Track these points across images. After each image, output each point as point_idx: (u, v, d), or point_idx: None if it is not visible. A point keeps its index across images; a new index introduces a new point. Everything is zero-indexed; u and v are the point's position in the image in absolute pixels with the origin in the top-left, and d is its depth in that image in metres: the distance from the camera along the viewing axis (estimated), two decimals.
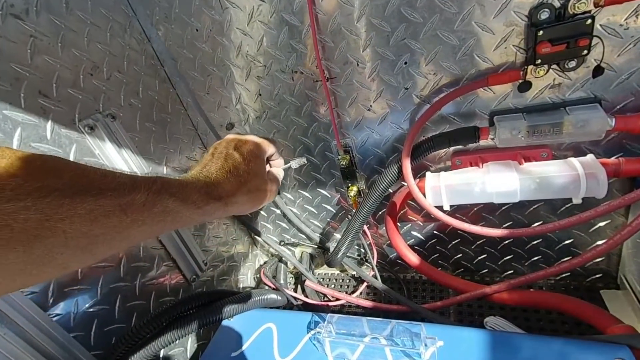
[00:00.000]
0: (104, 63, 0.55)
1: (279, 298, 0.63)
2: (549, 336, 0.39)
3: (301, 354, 0.41)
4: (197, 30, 0.63)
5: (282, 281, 0.81)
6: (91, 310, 0.50)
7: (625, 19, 0.42)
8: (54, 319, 0.45)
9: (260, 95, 0.67)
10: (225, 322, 0.50)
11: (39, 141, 0.44)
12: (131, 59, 0.61)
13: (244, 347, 0.45)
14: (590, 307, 0.46)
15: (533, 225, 0.62)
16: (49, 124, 0.45)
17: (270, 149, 0.47)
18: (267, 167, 0.48)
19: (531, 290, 0.55)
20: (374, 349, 0.39)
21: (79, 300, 0.48)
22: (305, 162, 0.58)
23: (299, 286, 0.85)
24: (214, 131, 0.75)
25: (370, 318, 0.42)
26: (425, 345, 0.36)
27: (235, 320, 0.50)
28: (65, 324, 0.47)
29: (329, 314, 0.42)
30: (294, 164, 0.57)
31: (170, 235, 0.65)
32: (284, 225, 0.87)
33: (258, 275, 0.95)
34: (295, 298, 0.73)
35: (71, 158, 0.47)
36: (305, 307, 0.74)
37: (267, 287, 0.79)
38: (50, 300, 0.45)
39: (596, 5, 0.40)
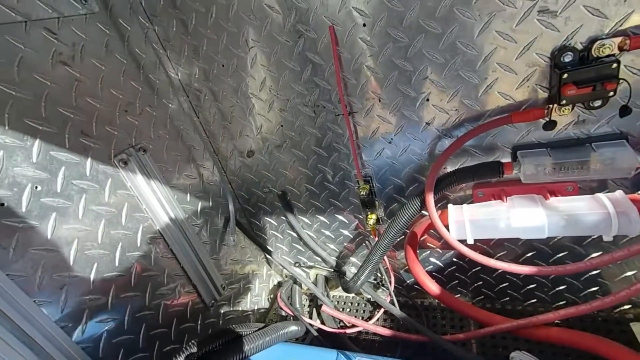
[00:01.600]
0: (137, 99, 0.58)
1: (299, 329, 0.63)
2: None
3: None
4: (223, 65, 0.66)
5: (297, 305, 0.81)
6: (117, 340, 0.51)
7: None
8: (82, 347, 0.46)
9: (282, 126, 0.69)
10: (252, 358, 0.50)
11: (79, 178, 0.46)
12: (160, 92, 0.64)
13: None
14: (625, 352, 0.44)
15: (559, 257, 0.61)
16: (89, 161, 0.47)
17: None
18: None
19: (560, 327, 0.54)
20: None
21: (106, 329, 0.49)
22: None
23: (314, 309, 0.85)
24: (234, 158, 0.77)
25: None
26: None
27: (259, 357, 0.50)
28: (93, 353, 0.48)
29: (355, 356, 0.42)
30: None
31: (191, 261, 0.66)
32: (300, 247, 0.87)
33: (272, 296, 0.95)
34: (312, 325, 0.72)
35: (106, 192, 0.50)
36: (322, 333, 0.74)
37: (283, 313, 0.79)
38: (79, 329, 0.46)
39: (620, 49, 0.41)
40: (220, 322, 0.74)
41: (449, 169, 0.59)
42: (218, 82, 0.68)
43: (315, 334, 0.72)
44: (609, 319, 0.64)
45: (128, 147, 0.54)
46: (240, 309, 0.83)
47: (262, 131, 0.72)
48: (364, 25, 0.52)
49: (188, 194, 0.70)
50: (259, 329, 0.54)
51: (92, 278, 0.47)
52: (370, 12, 0.50)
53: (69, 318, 0.45)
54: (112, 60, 0.54)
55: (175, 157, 0.67)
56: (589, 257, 0.47)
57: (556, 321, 0.63)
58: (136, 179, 0.55)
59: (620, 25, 0.41)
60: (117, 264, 0.51)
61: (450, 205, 0.59)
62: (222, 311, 0.75)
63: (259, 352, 0.50)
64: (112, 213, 0.51)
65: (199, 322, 0.68)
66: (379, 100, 0.58)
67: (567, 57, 0.44)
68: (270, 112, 0.68)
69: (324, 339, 0.72)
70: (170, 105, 0.66)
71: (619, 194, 0.48)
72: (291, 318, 0.79)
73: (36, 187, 0.41)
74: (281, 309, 0.80)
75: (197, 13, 0.61)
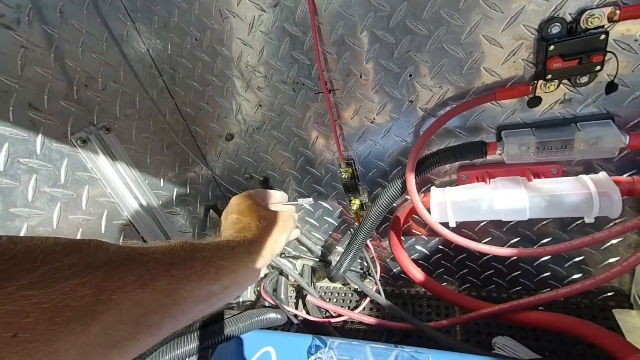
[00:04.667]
0: (99, 73, 0.53)
1: (279, 317, 0.61)
2: None
3: None
4: (196, 39, 0.61)
5: (282, 296, 0.78)
6: None
7: None
8: None
9: (260, 106, 0.65)
10: (222, 345, 0.48)
11: (28, 156, 0.42)
12: (128, 68, 0.59)
13: None
14: (608, 335, 0.44)
15: (543, 243, 0.60)
16: (39, 138, 0.43)
17: (268, 198, 0.50)
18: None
19: (542, 311, 0.53)
20: None
21: None
22: (312, 201, 0.62)
23: (300, 300, 0.83)
24: (213, 142, 0.73)
25: (374, 344, 0.40)
26: None
27: (233, 342, 0.48)
28: None
29: (330, 339, 0.40)
30: (302, 201, 0.60)
31: None
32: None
33: (258, 289, 0.93)
34: (295, 316, 0.70)
35: (62, 172, 0.45)
36: (306, 324, 0.72)
37: (267, 303, 0.76)
38: None
39: (610, 20, 0.39)
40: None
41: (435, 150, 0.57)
42: (192, 59, 0.64)
43: (296, 321, 0.70)
44: (592, 305, 0.63)
45: (88, 125, 0.50)
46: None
47: (241, 112, 0.68)
48: None
49: (161, 179, 0.67)
50: (233, 316, 0.52)
51: None
52: None
53: None
54: (68, 28, 0.49)
55: (146, 139, 0.63)
56: (568, 239, 0.46)
57: (540, 308, 0.64)
58: (98, 160, 0.50)
59: None
60: None
61: (433, 188, 0.57)
62: None
63: (231, 338, 0.48)
64: (70, 196, 0.46)
65: None
66: (360, 76, 0.55)
67: (555, 29, 0.41)
68: (248, 91, 0.64)
69: (308, 329, 0.70)
70: (139, 83, 0.61)
71: (602, 175, 0.47)
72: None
73: None
74: (264, 300, 0.78)
75: None
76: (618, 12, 0.38)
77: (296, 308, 0.80)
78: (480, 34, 0.46)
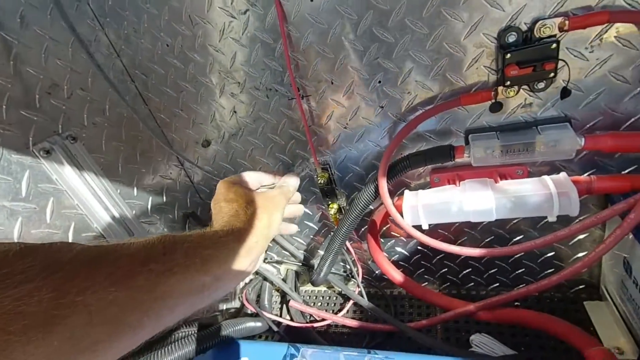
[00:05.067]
0: (64, 81, 0.52)
1: (258, 325, 0.60)
2: None
3: None
4: (167, 45, 0.61)
5: (266, 302, 0.78)
6: None
7: (590, 42, 0.42)
8: None
9: (235, 112, 0.65)
10: (198, 358, 0.47)
11: None
12: (97, 75, 0.58)
13: None
14: (570, 328, 0.46)
15: (515, 241, 0.62)
16: None
17: (256, 179, 0.48)
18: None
19: (513, 308, 0.55)
20: None
21: None
22: (309, 167, 0.60)
23: (285, 306, 0.82)
24: (190, 148, 0.72)
25: (347, 351, 0.40)
26: None
27: (210, 354, 0.47)
28: None
29: (304, 347, 0.40)
30: (299, 169, 0.58)
31: None
32: (268, 243, 0.84)
33: (242, 295, 0.92)
34: (277, 322, 0.70)
35: (23, 185, 0.44)
36: (289, 330, 0.71)
37: (249, 311, 0.76)
38: None
39: (561, 29, 0.41)
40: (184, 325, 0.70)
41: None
42: (164, 65, 0.63)
43: (276, 329, 0.69)
44: (564, 299, 0.66)
45: (52, 135, 0.49)
46: (209, 307, 0.78)
47: (216, 118, 0.68)
48: (312, 0, 0.49)
49: (135, 188, 0.65)
50: (210, 327, 0.51)
51: None
52: None
53: None
54: (30, 34, 0.47)
55: (117, 147, 0.62)
56: (536, 237, 0.48)
57: (516, 303, 0.66)
58: (64, 171, 0.49)
59: (562, 6, 0.41)
60: None
61: (406, 191, 0.58)
62: None
63: (207, 350, 0.47)
64: (32, 209, 0.45)
65: None
66: (332, 83, 0.55)
67: (511, 38, 0.43)
68: (222, 97, 0.64)
69: (291, 335, 0.70)
70: (109, 90, 0.60)
71: (562, 175, 0.49)
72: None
73: None
74: (246, 307, 0.77)
75: None
76: (567, 22, 0.40)
77: (280, 314, 0.80)
78: (443, 42, 0.47)
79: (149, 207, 0.67)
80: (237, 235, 0.36)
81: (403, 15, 0.46)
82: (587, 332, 0.46)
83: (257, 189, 0.47)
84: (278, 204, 0.44)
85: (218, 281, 0.32)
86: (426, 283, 0.76)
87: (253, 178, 0.47)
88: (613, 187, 0.46)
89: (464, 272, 0.72)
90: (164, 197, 0.72)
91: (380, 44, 0.50)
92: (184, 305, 0.29)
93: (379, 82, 0.53)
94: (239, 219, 0.37)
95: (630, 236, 0.46)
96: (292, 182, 0.50)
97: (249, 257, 0.36)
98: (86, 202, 0.52)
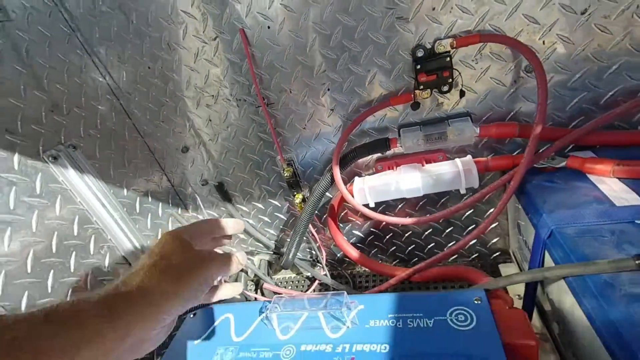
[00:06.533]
0: (62, 101, 0.62)
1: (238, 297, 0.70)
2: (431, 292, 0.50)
3: (254, 332, 0.50)
4: (149, 67, 0.72)
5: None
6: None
7: (475, 56, 0.58)
8: None
9: (210, 120, 0.77)
10: (188, 317, 0.57)
11: (8, 172, 0.50)
12: (88, 95, 0.68)
13: (205, 335, 0.52)
14: (470, 270, 0.60)
15: (433, 213, 0.76)
16: (16, 157, 0.51)
17: (206, 232, 0.45)
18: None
19: (438, 266, 0.68)
20: (312, 317, 0.49)
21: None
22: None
23: (259, 291, 0.93)
24: (171, 154, 0.83)
25: (311, 295, 0.52)
26: (349, 309, 0.47)
27: (198, 315, 0.57)
28: None
29: (276, 296, 0.51)
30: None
31: (132, 252, 0.71)
32: (242, 236, 0.95)
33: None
34: (253, 299, 0.80)
35: (37, 185, 0.53)
36: None
37: None
38: None
39: (452, 47, 0.56)
40: None
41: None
42: (146, 84, 0.74)
43: None
44: (485, 264, 0.80)
45: (57, 144, 0.58)
46: None
47: (194, 127, 0.78)
48: (269, 27, 0.62)
49: (125, 189, 0.75)
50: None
51: (29, 263, 0.51)
52: (272, 16, 0.61)
53: None
54: (35, 64, 0.57)
55: (109, 155, 0.71)
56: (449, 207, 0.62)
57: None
58: (68, 174, 0.59)
59: (451, 30, 0.56)
60: (54, 250, 0.55)
61: (355, 177, 0.71)
62: None
63: (195, 310, 0.57)
64: (45, 204, 0.54)
65: None
66: (290, 92, 0.68)
67: (420, 53, 0.58)
68: (198, 109, 0.75)
69: None
70: (99, 107, 0.70)
71: (468, 157, 0.63)
72: None
73: None
74: None
75: (117, 20, 0.67)
76: (455, 42, 0.55)
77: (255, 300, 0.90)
78: (373, 58, 0.61)
79: (137, 205, 0.77)
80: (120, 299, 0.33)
81: (341, 38, 0.60)
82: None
83: (204, 241, 0.44)
84: (208, 267, 0.40)
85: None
86: (380, 261, 0.89)
87: (204, 230, 0.44)
88: (502, 164, 0.61)
89: (409, 248, 0.84)
90: (149, 198, 0.81)
91: (326, 60, 0.63)
92: None
93: (328, 89, 0.66)
94: (149, 278, 0.35)
95: (519, 205, 0.61)
96: (240, 255, 0.46)
97: (154, 320, 0.34)
98: (86, 199, 0.61)
